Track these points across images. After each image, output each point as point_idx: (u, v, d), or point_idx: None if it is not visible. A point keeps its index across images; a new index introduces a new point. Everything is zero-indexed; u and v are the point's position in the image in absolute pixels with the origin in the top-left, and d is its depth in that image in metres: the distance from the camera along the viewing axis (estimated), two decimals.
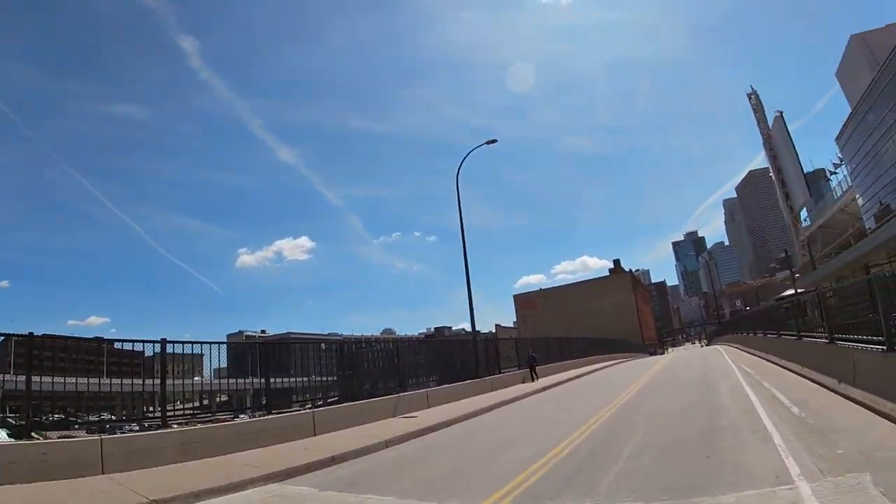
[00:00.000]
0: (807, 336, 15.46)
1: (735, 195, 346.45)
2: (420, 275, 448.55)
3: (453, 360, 24.49)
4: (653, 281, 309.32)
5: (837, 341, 11.52)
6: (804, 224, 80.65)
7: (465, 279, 25.46)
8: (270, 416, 12.63)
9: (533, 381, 26.51)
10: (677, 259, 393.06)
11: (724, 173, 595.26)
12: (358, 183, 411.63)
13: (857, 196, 55.66)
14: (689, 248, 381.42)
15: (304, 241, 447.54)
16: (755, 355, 24.98)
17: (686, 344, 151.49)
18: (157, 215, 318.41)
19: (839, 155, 62.23)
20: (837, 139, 57.81)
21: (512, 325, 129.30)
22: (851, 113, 52.38)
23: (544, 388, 23.21)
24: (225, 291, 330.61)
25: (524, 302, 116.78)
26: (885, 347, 8.31)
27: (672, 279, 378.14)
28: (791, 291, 55.97)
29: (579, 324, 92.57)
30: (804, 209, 78.95)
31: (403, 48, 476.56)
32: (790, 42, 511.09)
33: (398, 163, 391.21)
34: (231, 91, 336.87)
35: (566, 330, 74.60)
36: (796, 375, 14.62)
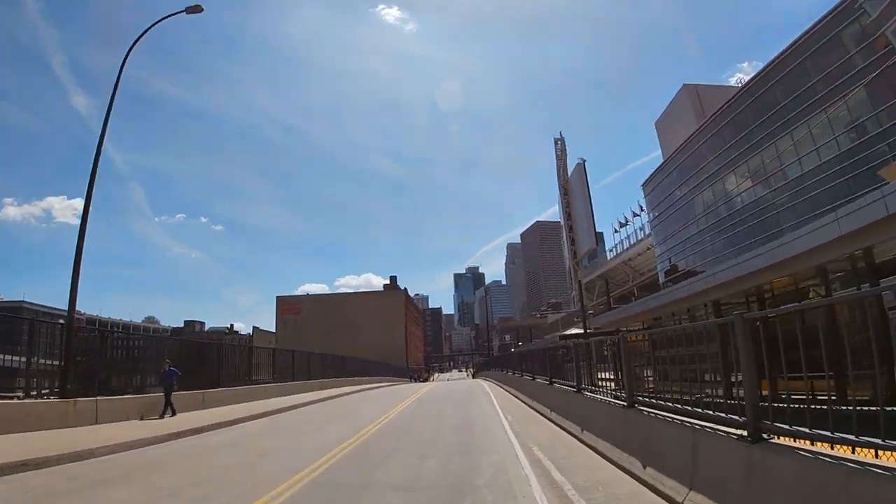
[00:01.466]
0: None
1: (519, 241, 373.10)
2: (198, 263, 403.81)
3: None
4: (430, 307, 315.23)
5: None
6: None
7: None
8: None
9: (165, 415, 15.50)
10: (456, 289, 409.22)
11: (515, 219, 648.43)
12: (149, 150, 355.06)
13: (653, 245, 53.54)
14: (469, 281, 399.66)
15: (79, 204, 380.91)
16: (528, 405, 18.64)
17: (453, 371, 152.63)
18: None
19: (639, 203, 60.91)
20: (644, 185, 55.70)
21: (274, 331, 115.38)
22: (667, 159, 49.84)
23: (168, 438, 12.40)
24: None
25: (287, 305, 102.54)
26: None
27: (449, 308, 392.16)
28: (579, 330, 50.88)
29: (343, 337, 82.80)
30: (585, 259, 79.32)
31: (232, 20, 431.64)
32: (609, 109, 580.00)
33: (194, 137, 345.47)
34: (42, 14, 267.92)
35: (326, 342, 64.61)
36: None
